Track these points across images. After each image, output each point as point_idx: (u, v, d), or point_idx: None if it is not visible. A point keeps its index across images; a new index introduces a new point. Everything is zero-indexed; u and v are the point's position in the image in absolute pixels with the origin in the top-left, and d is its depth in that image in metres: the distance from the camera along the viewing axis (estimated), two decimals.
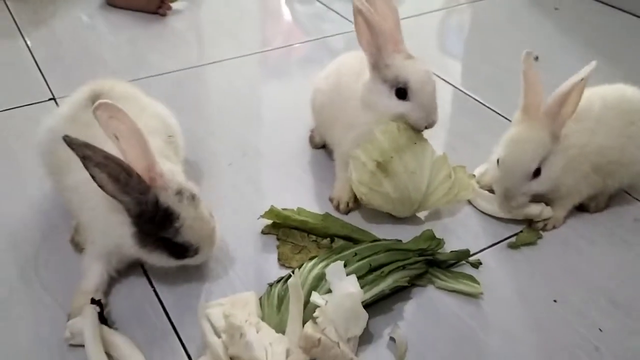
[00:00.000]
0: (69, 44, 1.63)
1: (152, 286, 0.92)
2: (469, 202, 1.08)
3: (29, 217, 1.04)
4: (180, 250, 0.85)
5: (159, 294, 0.91)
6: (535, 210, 1.01)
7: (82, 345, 0.80)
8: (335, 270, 0.83)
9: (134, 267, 0.94)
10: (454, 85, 1.49)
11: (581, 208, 1.07)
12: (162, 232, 0.82)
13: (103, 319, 0.83)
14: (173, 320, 0.86)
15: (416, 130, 0.99)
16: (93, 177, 0.79)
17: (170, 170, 0.84)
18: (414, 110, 0.97)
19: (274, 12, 1.96)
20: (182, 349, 0.82)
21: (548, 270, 0.96)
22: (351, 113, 1.03)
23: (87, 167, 0.78)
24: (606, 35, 1.76)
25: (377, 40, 0.97)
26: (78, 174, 0.87)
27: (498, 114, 1.37)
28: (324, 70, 1.17)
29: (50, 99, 1.37)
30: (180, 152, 1.05)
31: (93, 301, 0.84)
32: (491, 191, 1.05)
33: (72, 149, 0.77)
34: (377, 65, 0.98)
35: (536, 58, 1.60)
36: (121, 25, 1.73)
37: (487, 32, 1.81)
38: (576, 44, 1.72)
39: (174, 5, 1.79)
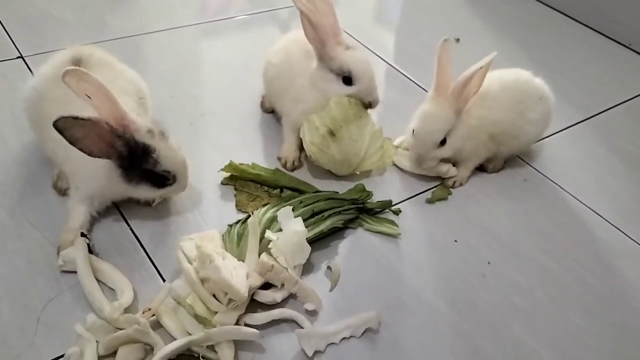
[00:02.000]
0: (30, 5, 1.70)
1: (129, 225, 1.09)
2: (393, 163, 1.30)
3: (10, 166, 1.17)
4: (161, 179, 1.02)
5: (135, 231, 1.07)
6: (444, 168, 1.24)
7: (74, 271, 0.96)
8: (285, 214, 1.03)
9: (112, 210, 1.10)
10: (387, 62, 1.69)
11: (481, 169, 1.31)
12: (144, 164, 0.99)
13: (90, 250, 1.00)
14: (148, 252, 1.04)
15: (363, 105, 1.19)
16: (86, 150, 0.94)
17: (138, 117, 1.00)
18: (359, 92, 1.17)
19: None
20: (157, 274, 1.00)
21: (452, 218, 1.20)
22: (299, 89, 1.22)
23: (77, 145, 0.93)
24: (519, 21, 2.00)
25: (320, 36, 1.15)
26: None
27: (424, 89, 1.59)
28: (275, 44, 1.34)
29: (18, 57, 1.46)
30: (149, 111, 1.20)
31: (82, 235, 1.01)
32: None
33: (62, 133, 0.91)
34: (323, 57, 1.17)
35: (457, 40, 1.85)
36: None
37: (416, 15, 2.01)
38: (493, 28, 1.95)
39: None
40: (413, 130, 1.21)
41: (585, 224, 1.23)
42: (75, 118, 0.91)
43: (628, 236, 1.21)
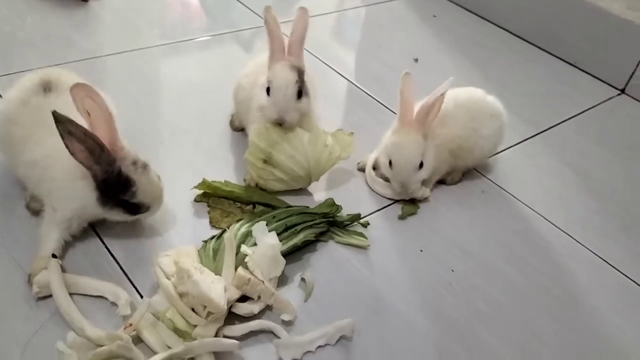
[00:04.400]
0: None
1: (104, 244, 1.10)
2: (369, 187, 1.34)
3: None
4: (135, 208, 1.04)
5: (111, 250, 1.09)
6: (420, 192, 1.30)
7: (49, 296, 0.97)
8: (260, 228, 1.07)
9: (87, 229, 1.11)
10: (348, 80, 1.76)
11: (441, 182, 1.38)
12: (121, 195, 1.01)
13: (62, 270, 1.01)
14: (125, 270, 1.06)
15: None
16: (70, 149, 0.95)
17: (126, 144, 1.03)
18: (269, 106, 1.19)
19: (194, 3, 2.12)
20: (135, 291, 1.02)
21: (418, 229, 1.26)
22: (254, 109, 1.26)
23: (67, 141, 0.94)
24: (474, 42, 2.10)
25: (271, 46, 1.21)
26: (36, 150, 1.04)
27: (384, 105, 1.65)
28: (244, 67, 1.39)
29: None
30: None
31: (54, 256, 1.02)
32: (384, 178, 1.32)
33: (58, 124, 0.93)
34: (268, 66, 1.22)
35: (416, 60, 1.93)
36: (46, 10, 1.81)
37: (375, 34, 2.09)
38: (450, 48, 2.05)
39: None
40: (390, 162, 1.25)
41: (539, 231, 1.31)
42: (75, 124, 0.93)
43: (578, 242, 1.30)
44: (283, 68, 1.19)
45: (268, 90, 1.19)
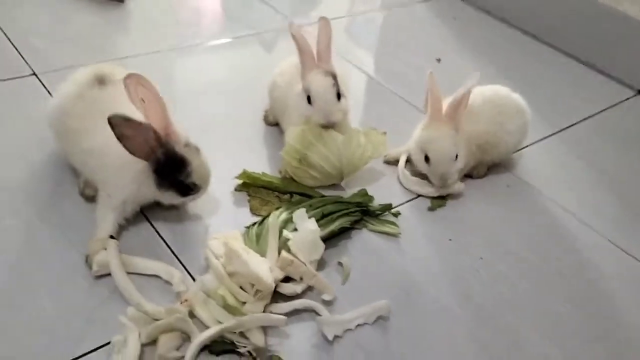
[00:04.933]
0: (37, 26, 1.78)
1: (155, 228, 1.17)
2: (404, 187, 1.39)
3: (35, 177, 1.24)
4: (187, 189, 1.11)
5: (161, 233, 1.16)
6: (456, 188, 1.36)
7: (107, 275, 1.05)
8: (300, 215, 1.14)
9: (138, 215, 1.18)
10: (371, 76, 1.83)
11: (467, 175, 1.44)
12: (177, 175, 1.08)
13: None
14: (175, 252, 1.13)
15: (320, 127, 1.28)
16: (130, 150, 1.03)
17: (179, 128, 1.10)
18: (315, 113, 1.27)
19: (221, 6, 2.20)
20: (185, 271, 1.10)
21: (446, 220, 1.32)
22: (291, 111, 1.34)
23: (125, 142, 1.02)
24: (494, 44, 2.17)
25: (302, 58, 1.29)
26: (92, 139, 1.12)
27: (407, 102, 1.72)
28: (277, 67, 1.46)
29: (31, 74, 1.54)
30: None
31: (112, 237, 1.09)
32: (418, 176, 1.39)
33: (115, 128, 1.01)
34: (302, 77, 1.30)
35: (439, 60, 2.00)
36: (83, 11, 1.90)
37: (396, 36, 2.16)
38: (471, 49, 2.12)
39: None
40: (426, 157, 1.32)
41: (562, 223, 1.38)
42: (128, 119, 1.00)
43: (598, 232, 1.36)
44: (318, 76, 1.27)
45: (309, 98, 1.27)
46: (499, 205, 1.40)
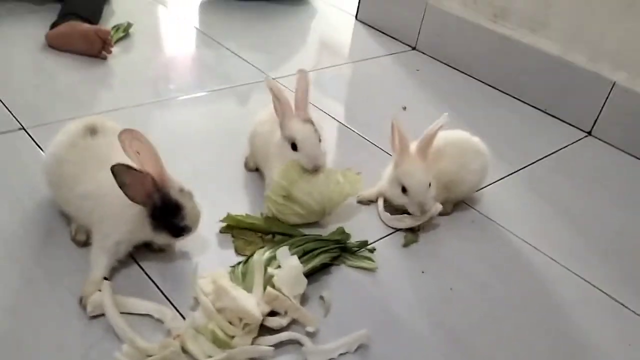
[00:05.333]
0: (24, 82, 1.87)
1: (143, 269, 1.24)
2: (384, 223, 1.49)
3: (28, 224, 1.30)
4: (180, 230, 1.19)
5: (149, 274, 1.23)
6: (433, 210, 1.46)
7: (100, 315, 1.10)
8: (283, 253, 1.22)
9: (127, 258, 1.25)
10: (341, 123, 1.95)
11: None
12: (172, 218, 1.16)
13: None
14: (164, 291, 1.19)
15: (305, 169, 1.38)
16: (129, 196, 1.12)
17: (171, 175, 1.18)
18: (302, 158, 1.37)
19: (200, 58, 2.32)
20: (175, 309, 1.15)
21: (418, 254, 1.42)
22: (272, 156, 1.44)
23: (125, 190, 1.11)
24: (455, 92, 2.32)
25: (282, 109, 1.40)
26: (86, 184, 1.19)
27: (376, 145, 1.84)
28: (258, 115, 1.57)
29: (20, 129, 1.61)
30: None
31: (106, 279, 1.15)
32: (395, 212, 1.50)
33: (116, 177, 1.09)
34: (282, 127, 1.41)
35: (404, 108, 2.14)
36: (68, 67, 1.99)
37: (366, 86, 2.30)
38: (433, 97, 2.27)
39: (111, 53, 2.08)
40: (403, 189, 1.43)
41: (523, 253, 1.49)
42: (129, 168, 1.08)
43: (557, 262, 1.47)
44: (300, 124, 1.38)
45: (293, 146, 1.37)
46: (466, 239, 1.50)
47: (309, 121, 1.40)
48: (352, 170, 1.52)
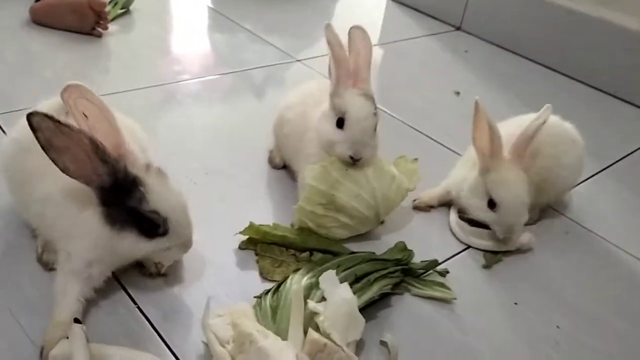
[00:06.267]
0: (3, 63, 1.55)
1: (135, 302, 0.89)
2: (457, 239, 1.13)
3: None
4: (149, 224, 0.82)
5: (143, 309, 0.88)
6: (526, 239, 1.10)
7: None
8: (329, 278, 0.87)
9: (113, 286, 0.90)
10: (382, 110, 1.59)
11: None
12: (127, 200, 0.81)
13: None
14: (163, 335, 0.84)
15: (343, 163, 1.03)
16: (59, 164, 0.77)
17: (138, 150, 0.85)
18: (343, 141, 1.02)
19: (206, 41, 1.98)
20: None
21: (504, 277, 1.06)
22: (308, 144, 1.09)
23: (52, 154, 0.77)
24: (512, 75, 1.97)
25: (338, 71, 1.03)
26: (52, 183, 0.86)
27: (427, 136, 1.49)
28: (286, 97, 1.22)
29: None
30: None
31: (77, 320, 0.80)
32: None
33: (36, 133, 0.75)
34: (333, 94, 1.05)
35: (457, 93, 1.79)
36: (57, 44, 1.67)
37: (407, 68, 1.95)
38: (488, 81, 1.91)
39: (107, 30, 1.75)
40: (492, 202, 1.07)
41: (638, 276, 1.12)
42: (57, 121, 0.75)
43: None
44: (358, 97, 1.02)
45: (340, 122, 1.02)
46: (563, 257, 1.14)
47: (370, 98, 1.04)
48: (406, 157, 1.17)
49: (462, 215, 1.15)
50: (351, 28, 1.06)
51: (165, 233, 0.84)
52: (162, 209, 0.83)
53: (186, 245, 0.89)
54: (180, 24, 2.03)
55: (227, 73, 1.68)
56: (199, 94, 1.56)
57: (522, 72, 2.02)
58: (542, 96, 1.85)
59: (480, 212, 1.10)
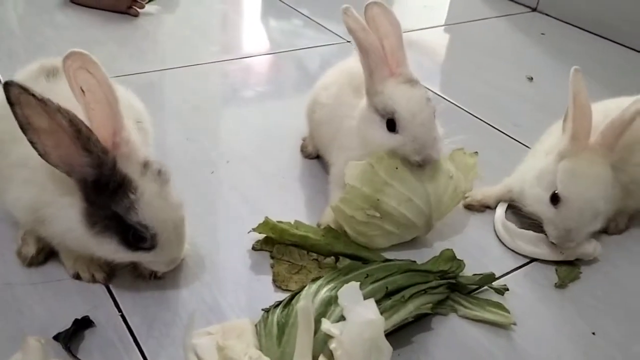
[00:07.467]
0: (31, 41, 1.48)
1: (120, 311, 0.75)
2: (500, 241, 0.94)
3: None
4: (134, 236, 0.69)
5: (129, 321, 0.74)
6: (589, 248, 0.89)
7: None
8: (350, 293, 0.69)
9: (94, 286, 0.77)
10: (444, 99, 1.39)
11: (601, 231, 0.94)
12: (113, 204, 0.67)
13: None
14: (146, 354, 0.70)
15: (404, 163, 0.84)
16: (38, 148, 0.65)
17: (139, 141, 0.71)
18: (405, 145, 0.83)
19: (247, 21, 1.84)
20: None
21: (579, 298, 0.84)
22: (346, 133, 0.91)
23: (31, 134, 0.65)
24: (593, 59, 1.74)
25: (369, 62, 0.84)
26: (25, 150, 0.71)
27: (495, 128, 1.28)
28: (322, 77, 1.05)
29: None
30: (149, 139, 0.90)
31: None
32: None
33: (12, 107, 0.62)
34: (370, 92, 0.86)
35: (531, 79, 1.56)
36: (89, 24, 1.59)
37: (475, 53, 1.74)
38: (565, 66, 1.66)
39: (144, 8, 1.66)
40: (555, 197, 0.86)
41: None
42: (36, 96, 0.62)
43: None
44: (403, 87, 0.84)
45: (390, 123, 0.84)
46: None
47: (416, 82, 0.85)
48: (464, 150, 0.97)
49: (516, 209, 0.94)
50: (367, 6, 0.86)
51: (151, 248, 0.71)
52: (152, 224, 0.69)
53: (172, 263, 0.75)
54: (229, 6, 1.90)
55: (272, 53, 1.55)
56: (235, 75, 1.43)
57: (605, 55, 1.79)
58: (629, 83, 1.59)
59: (539, 204, 0.88)
